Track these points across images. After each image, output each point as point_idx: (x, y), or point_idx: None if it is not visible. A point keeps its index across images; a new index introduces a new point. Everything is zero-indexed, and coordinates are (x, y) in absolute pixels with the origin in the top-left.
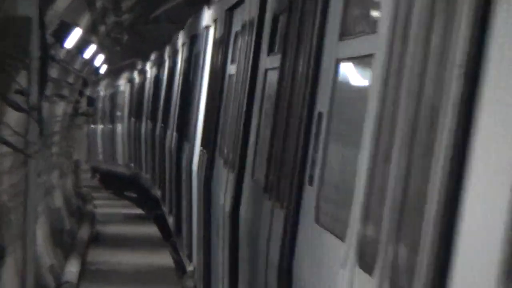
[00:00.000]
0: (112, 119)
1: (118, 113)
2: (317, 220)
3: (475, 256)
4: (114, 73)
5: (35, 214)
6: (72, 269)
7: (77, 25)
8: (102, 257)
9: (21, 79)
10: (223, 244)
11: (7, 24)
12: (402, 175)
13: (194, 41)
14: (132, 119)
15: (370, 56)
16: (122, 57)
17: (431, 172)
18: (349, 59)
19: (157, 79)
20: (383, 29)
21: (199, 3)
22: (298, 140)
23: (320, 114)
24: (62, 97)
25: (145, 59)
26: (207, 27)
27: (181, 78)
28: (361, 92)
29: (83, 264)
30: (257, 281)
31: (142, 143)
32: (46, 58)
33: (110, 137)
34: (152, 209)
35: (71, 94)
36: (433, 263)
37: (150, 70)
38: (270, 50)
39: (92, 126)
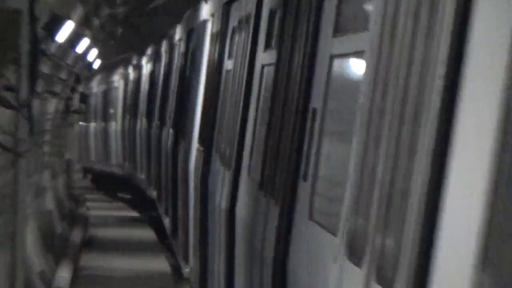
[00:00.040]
0: (106, 117)
1: (112, 111)
2: (311, 216)
3: (454, 248)
4: (108, 68)
5: (25, 217)
6: (63, 274)
7: (69, 18)
8: (95, 262)
9: (11, 75)
10: (220, 243)
11: None
12: (388, 171)
13: (191, 35)
14: (127, 117)
15: (362, 52)
16: (117, 52)
17: (414, 168)
18: (342, 55)
19: (154, 75)
20: (372, 26)
21: None
22: (293, 136)
23: (314, 110)
24: (53, 93)
25: (141, 53)
26: (205, 22)
27: (178, 74)
28: (353, 88)
29: (75, 270)
30: (252, 277)
31: (138, 141)
32: (37, 53)
33: (104, 135)
34: (147, 211)
35: (63, 91)
36: (416, 255)
37: (146, 66)
38: (267, 46)
39: (83, 123)
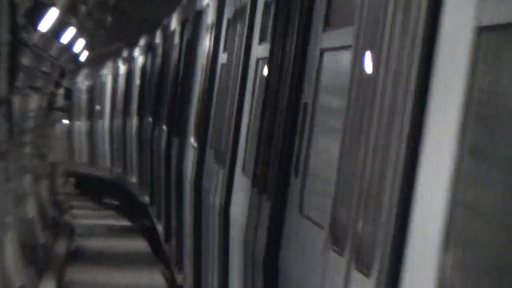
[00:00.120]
0: (92, 115)
1: (100, 108)
2: (301, 211)
3: (423, 235)
4: (96, 61)
5: (3, 226)
6: None
7: (53, 4)
8: (81, 276)
9: None
10: (213, 245)
11: None
12: (367, 166)
13: (187, 26)
14: (117, 115)
15: (350, 47)
16: (106, 43)
17: (389, 164)
18: (332, 49)
19: (147, 68)
20: (356, 21)
21: None
22: (285, 132)
23: (305, 105)
24: (35, 89)
25: (133, 45)
26: (200, 12)
27: (173, 67)
28: (342, 83)
29: (60, 285)
30: (245, 272)
31: (129, 141)
32: (17, 43)
33: (90, 135)
34: (139, 219)
35: (46, 86)
36: (390, 244)
37: (138, 58)
38: (261, 39)
39: (67, 122)
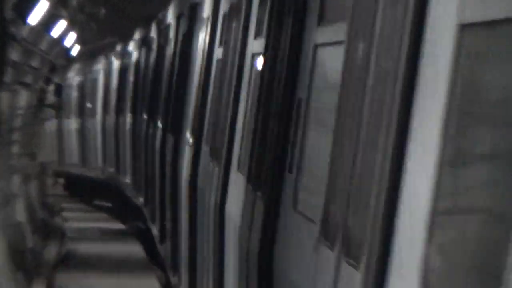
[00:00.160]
0: (83, 112)
1: (93, 105)
2: (295, 207)
3: (408, 229)
4: (88, 55)
5: None
6: None
7: None
8: (73, 282)
9: None
10: (209, 242)
11: None
12: (356, 162)
13: (182, 20)
14: (110, 112)
15: (343, 42)
16: (99, 36)
17: (378, 159)
18: (325, 44)
19: (141, 64)
20: (347, 16)
21: None
22: (280, 127)
23: (299, 101)
24: (24, 85)
25: (127, 39)
26: (196, 5)
27: (169, 62)
28: (335, 78)
29: None
30: (240, 270)
31: (122, 140)
32: (5, 37)
33: (81, 133)
34: (133, 222)
35: (36, 82)
36: (378, 238)
37: (132, 53)
38: (257, 34)
39: (55, 119)
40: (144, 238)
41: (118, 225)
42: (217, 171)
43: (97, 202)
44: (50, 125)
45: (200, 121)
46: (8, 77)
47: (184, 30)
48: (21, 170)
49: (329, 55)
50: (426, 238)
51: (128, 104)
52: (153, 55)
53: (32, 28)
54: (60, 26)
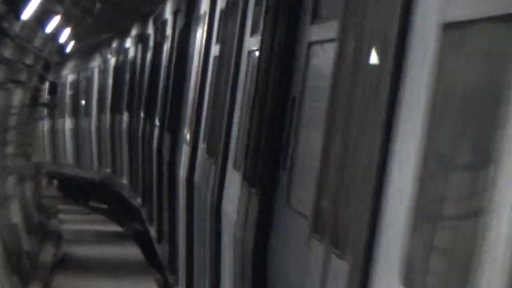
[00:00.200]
0: (78, 111)
1: (88, 103)
2: (289, 203)
3: (392, 221)
4: (83, 52)
5: None
6: None
7: None
8: (69, 285)
9: None
10: (206, 239)
11: None
12: (345, 158)
13: (179, 15)
14: (106, 111)
15: (335, 40)
16: (94, 32)
17: (363, 156)
18: (319, 42)
19: (138, 61)
20: (339, 14)
21: None
22: (274, 125)
23: (293, 98)
24: (18, 83)
25: (123, 35)
26: (193, 1)
27: (166, 59)
28: (328, 76)
29: None
30: (236, 266)
31: (118, 140)
32: None
33: (76, 133)
34: (131, 224)
35: (30, 80)
36: (363, 231)
37: (129, 49)
38: (253, 31)
39: (49, 119)
40: (142, 240)
41: (116, 227)
42: (214, 168)
43: (93, 204)
44: (44, 124)
45: (197, 119)
46: (0, 74)
47: (181, 26)
48: (16, 170)
49: (322, 53)
50: (408, 231)
51: (125, 102)
52: (150, 51)
53: (26, 24)
54: (54, 21)
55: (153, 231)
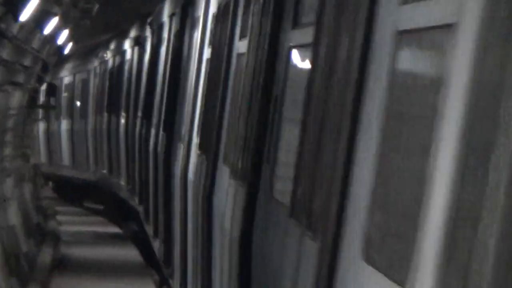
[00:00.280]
0: (74, 113)
1: (85, 104)
2: (272, 194)
3: (357, 205)
4: (82, 54)
5: None
6: None
7: None
8: (68, 286)
9: None
10: (199, 232)
11: None
12: (317, 149)
13: (175, 18)
14: (103, 112)
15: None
16: (93, 34)
17: (333, 149)
18: (298, 46)
19: (137, 62)
20: (314, 21)
21: None
22: (259, 122)
23: (276, 97)
24: (16, 84)
25: (122, 36)
26: (187, 5)
27: (165, 60)
28: (305, 78)
29: None
30: (225, 254)
31: (116, 140)
32: None
33: (72, 134)
34: (129, 225)
35: (28, 81)
36: (333, 212)
37: (128, 51)
38: (242, 35)
39: (44, 121)
40: (141, 241)
41: (114, 229)
42: (205, 164)
43: (89, 205)
44: (40, 126)
45: (191, 119)
46: None
47: (176, 29)
48: (14, 172)
49: (301, 56)
50: (369, 215)
51: (123, 102)
52: (146, 53)
53: (24, 25)
54: (53, 23)
55: (150, 230)
